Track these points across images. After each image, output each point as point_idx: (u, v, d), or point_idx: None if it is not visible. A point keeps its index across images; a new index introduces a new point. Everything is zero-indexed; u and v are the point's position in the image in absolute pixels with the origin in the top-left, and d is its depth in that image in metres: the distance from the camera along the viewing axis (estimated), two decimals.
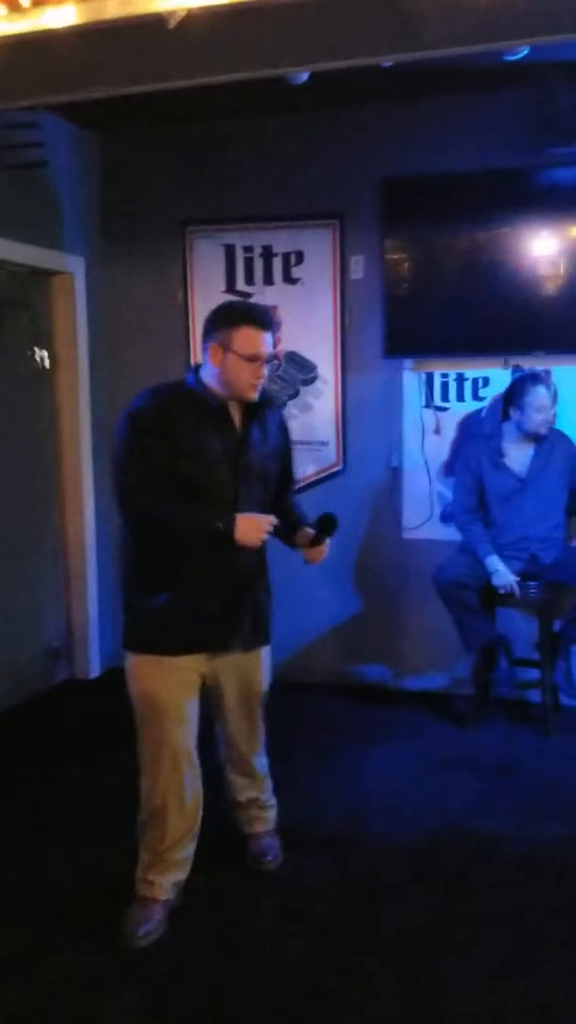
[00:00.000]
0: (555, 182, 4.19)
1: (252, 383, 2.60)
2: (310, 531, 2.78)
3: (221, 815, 2.99)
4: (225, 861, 3.00)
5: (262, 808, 3.04)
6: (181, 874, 2.74)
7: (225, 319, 2.60)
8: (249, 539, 2.54)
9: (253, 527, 2.55)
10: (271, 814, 3.07)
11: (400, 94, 4.25)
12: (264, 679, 2.90)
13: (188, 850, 2.74)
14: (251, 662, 2.82)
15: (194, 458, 2.54)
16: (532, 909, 2.78)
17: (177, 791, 2.66)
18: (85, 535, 4.86)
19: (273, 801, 3.07)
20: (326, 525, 2.75)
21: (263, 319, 2.61)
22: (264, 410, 2.72)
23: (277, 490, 2.82)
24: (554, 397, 4.23)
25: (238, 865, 3.00)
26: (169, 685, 2.64)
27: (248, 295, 4.67)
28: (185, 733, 2.67)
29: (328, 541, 2.77)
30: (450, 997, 2.39)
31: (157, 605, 2.61)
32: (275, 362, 4.59)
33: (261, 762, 3.01)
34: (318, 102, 4.32)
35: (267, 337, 2.59)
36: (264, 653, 2.88)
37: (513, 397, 4.10)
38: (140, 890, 2.72)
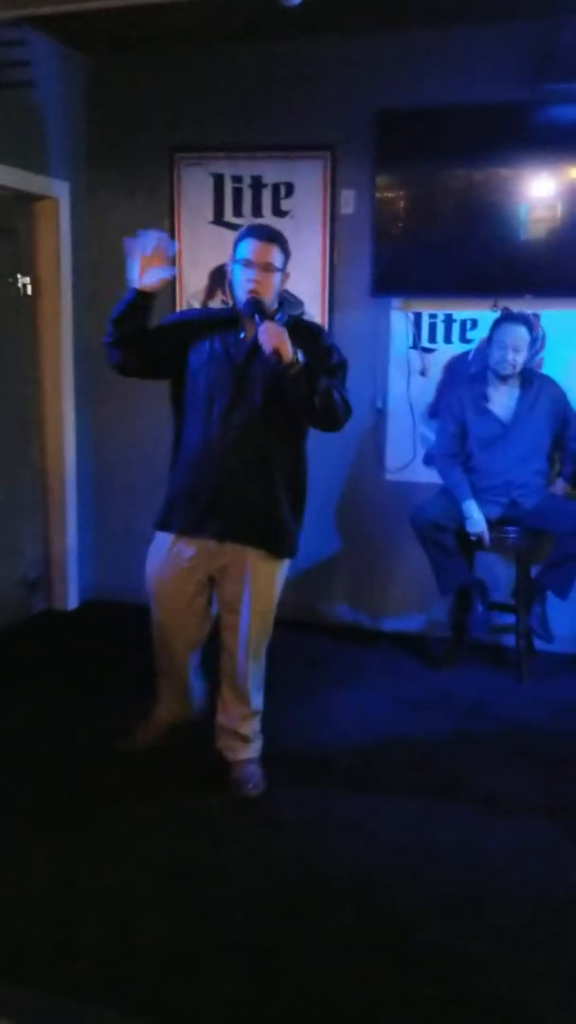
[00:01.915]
0: (553, 119, 4.09)
1: (246, 287, 2.83)
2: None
3: (206, 744, 3.05)
4: (197, 790, 3.06)
5: (245, 738, 3.11)
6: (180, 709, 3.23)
7: (237, 237, 2.92)
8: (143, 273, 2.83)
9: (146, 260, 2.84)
10: (254, 745, 3.14)
11: (399, 23, 4.12)
12: (254, 588, 2.96)
13: (190, 688, 3.20)
14: (245, 565, 2.94)
15: (198, 353, 2.92)
16: (493, 846, 2.83)
17: (163, 654, 3.14)
18: (65, 464, 4.82)
19: (258, 730, 3.16)
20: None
21: (261, 231, 2.88)
22: (292, 334, 2.78)
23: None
24: (539, 341, 4.19)
25: (211, 794, 3.05)
26: (163, 563, 2.99)
27: (236, 227, 4.56)
28: (175, 606, 3.01)
29: (259, 320, 2.77)
30: (411, 930, 2.45)
31: (169, 489, 3.02)
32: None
33: (252, 689, 3.10)
34: (313, 28, 4.19)
35: (263, 246, 2.82)
36: (260, 562, 2.94)
37: (489, 334, 4.07)
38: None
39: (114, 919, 2.46)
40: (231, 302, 2.97)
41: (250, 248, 2.82)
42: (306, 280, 4.54)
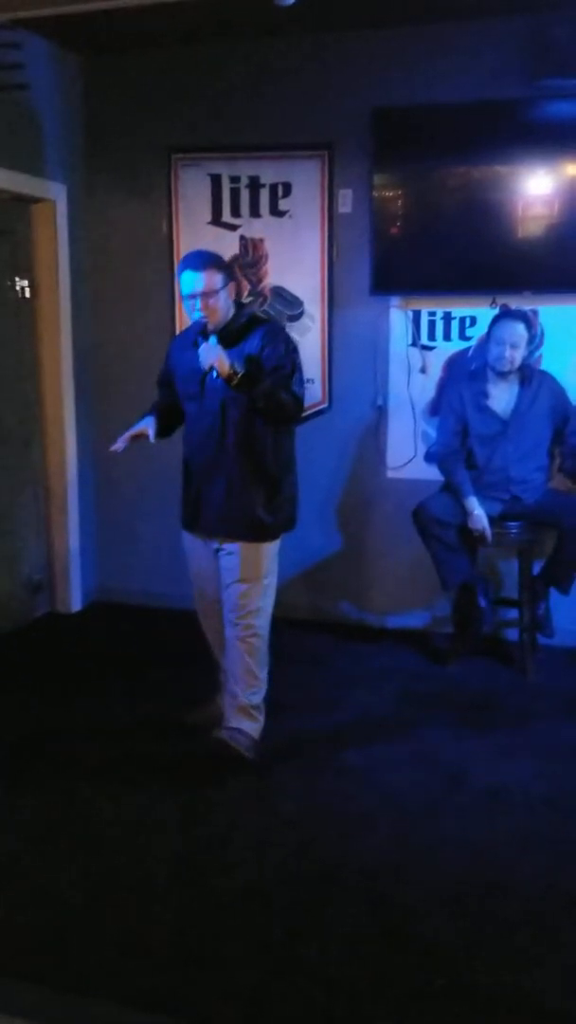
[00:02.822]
0: (548, 115, 4.09)
1: (195, 315, 3.11)
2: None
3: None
4: (204, 783, 3.06)
5: (243, 709, 3.26)
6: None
7: (177, 271, 3.17)
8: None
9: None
10: (253, 723, 3.28)
11: (394, 21, 4.13)
12: (239, 569, 3.20)
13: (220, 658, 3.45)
14: (232, 548, 3.22)
15: (174, 373, 3.32)
16: (498, 838, 2.84)
17: (202, 616, 3.49)
18: (67, 466, 4.83)
19: (254, 715, 3.29)
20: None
21: (190, 260, 3.10)
22: (239, 336, 3.11)
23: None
24: (538, 338, 4.19)
25: (218, 788, 3.06)
26: (188, 551, 3.42)
27: (235, 227, 4.59)
28: (201, 587, 3.41)
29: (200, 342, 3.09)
30: (418, 922, 2.45)
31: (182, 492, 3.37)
32: (260, 297, 4.56)
33: (241, 680, 3.25)
34: (309, 27, 4.20)
35: (194, 276, 3.05)
36: (243, 548, 3.20)
37: (487, 331, 4.08)
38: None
39: (120, 913, 2.47)
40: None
41: (189, 282, 3.07)
42: (305, 279, 4.56)
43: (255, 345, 3.09)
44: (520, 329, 3.96)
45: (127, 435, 3.24)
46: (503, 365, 3.98)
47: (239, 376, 2.98)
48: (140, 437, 3.24)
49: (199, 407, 3.19)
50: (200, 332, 3.17)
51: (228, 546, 3.23)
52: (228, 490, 3.18)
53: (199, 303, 3.07)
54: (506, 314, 4.07)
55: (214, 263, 3.12)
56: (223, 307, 3.11)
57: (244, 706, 3.26)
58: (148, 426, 3.26)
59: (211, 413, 3.16)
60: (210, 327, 3.10)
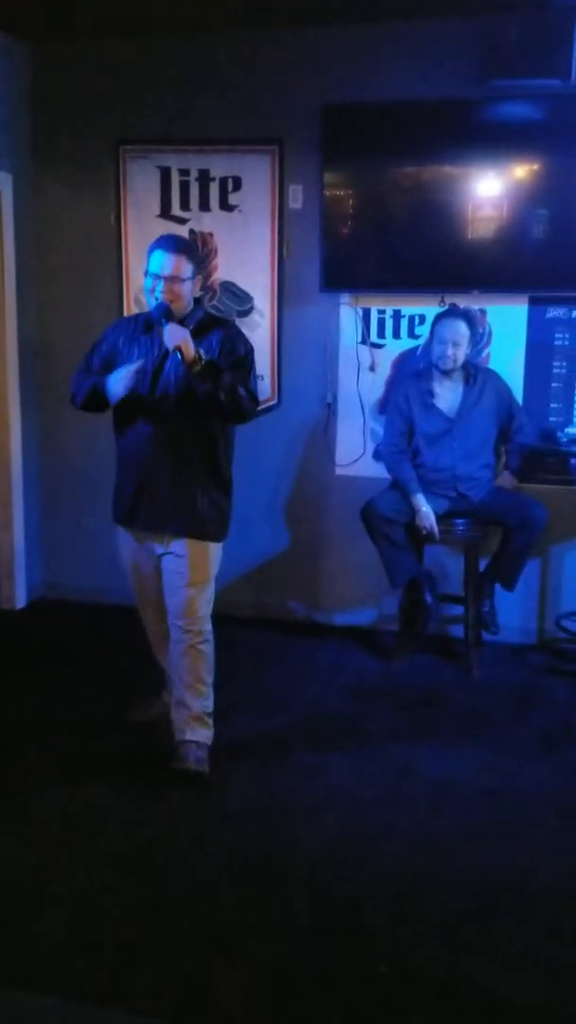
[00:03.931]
0: (499, 116, 4.14)
1: (155, 296, 3.01)
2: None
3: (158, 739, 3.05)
4: (153, 780, 3.04)
5: (195, 720, 3.15)
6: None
7: (148, 250, 3.07)
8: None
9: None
10: (203, 731, 3.17)
11: (346, 17, 4.14)
12: (188, 571, 3.11)
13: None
14: (177, 551, 3.13)
15: (115, 361, 3.12)
16: (442, 830, 2.86)
17: (142, 613, 3.38)
18: (12, 461, 4.74)
19: (210, 714, 3.19)
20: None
21: (166, 242, 3.06)
22: (196, 332, 3.00)
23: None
24: (485, 337, 4.24)
25: (165, 784, 3.04)
26: (123, 548, 3.28)
27: (183, 220, 4.56)
28: (141, 587, 3.29)
29: (165, 323, 2.97)
30: (365, 912, 2.46)
31: (116, 486, 3.24)
32: (209, 292, 4.53)
33: (191, 687, 3.15)
34: (261, 22, 4.20)
35: (168, 257, 2.99)
36: (193, 549, 3.10)
37: (430, 330, 4.12)
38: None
39: (71, 910, 2.44)
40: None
41: (159, 262, 3.00)
42: (255, 275, 4.55)
43: (212, 344, 3.04)
44: (462, 327, 4.00)
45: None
46: (446, 363, 4.01)
47: (203, 363, 2.90)
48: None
49: (148, 398, 3.06)
50: (146, 321, 3.12)
51: (175, 547, 3.11)
52: (181, 486, 3.08)
53: (163, 285, 2.99)
54: (448, 313, 4.11)
55: (188, 251, 3.08)
56: (187, 297, 3.05)
57: (198, 714, 3.16)
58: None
59: (163, 404, 3.05)
60: (176, 308, 3.01)
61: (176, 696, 3.20)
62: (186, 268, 3.02)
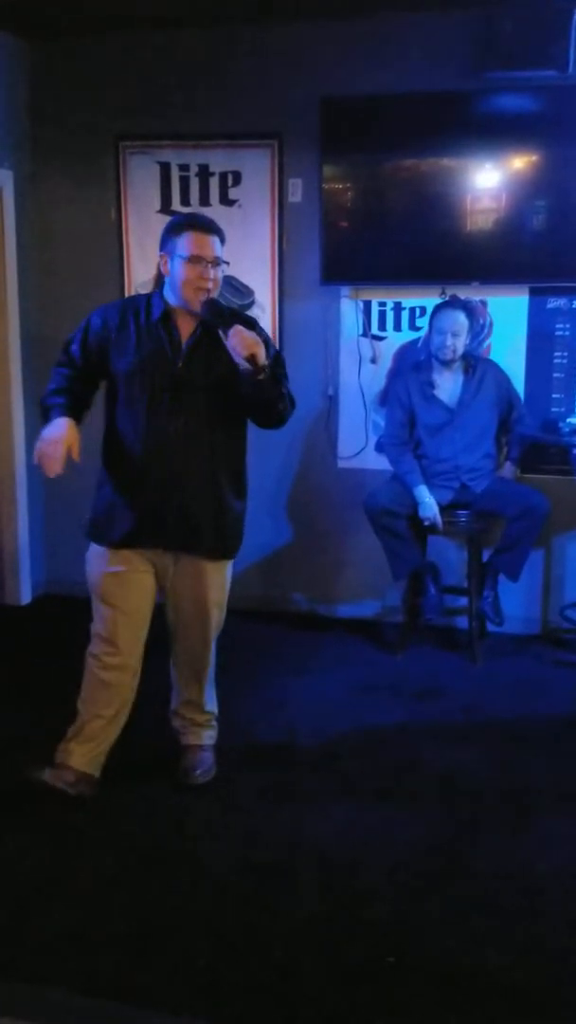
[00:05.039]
0: (496, 108, 4.14)
1: (198, 286, 2.66)
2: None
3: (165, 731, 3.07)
4: (158, 773, 3.08)
5: (199, 725, 3.10)
6: (96, 748, 2.91)
7: (171, 228, 2.74)
8: (45, 455, 2.62)
9: (49, 443, 2.63)
10: (208, 732, 3.13)
11: (344, 11, 4.13)
12: (210, 595, 2.90)
13: (107, 730, 2.92)
14: (196, 574, 2.86)
15: (123, 355, 2.72)
16: (447, 822, 2.88)
17: (96, 669, 2.92)
18: (15, 457, 4.76)
19: (214, 719, 3.14)
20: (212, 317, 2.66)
21: (205, 223, 2.73)
22: (221, 325, 2.65)
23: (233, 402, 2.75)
24: (486, 328, 4.24)
25: (170, 777, 3.06)
26: (105, 574, 2.86)
27: None
28: (113, 621, 2.87)
29: (225, 329, 2.62)
30: (371, 904, 2.47)
31: (101, 499, 2.89)
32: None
33: (205, 693, 3.07)
34: (259, 16, 4.19)
35: (211, 239, 2.68)
36: (211, 568, 2.88)
37: (429, 321, 4.13)
38: (56, 758, 2.90)
39: (78, 904, 2.46)
40: (174, 302, 2.75)
41: (197, 242, 2.65)
42: (256, 269, 4.55)
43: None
44: (460, 318, 4.01)
45: (61, 453, 2.62)
46: (445, 354, 4.02)
47: (268, 370, 2.58)
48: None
49: (167, 401, 2.68)
50: (146, 309, 2.75)
51: (191, 567, 2.84)
52: (209, 499, 2.78)
53: (208, 270, 2.64)
54: (447, 304, 4.11)
55: (222, 232, 2.74)
56: (220, 284, 2.73)
57: (209, 717, 3.11)
58: (72, 438, 2.66)
59: (191, 408, 2.71)
60: (197, 306, 2.67)
61: (182, 699, 3.10)
62: (222, 250, 2.71)
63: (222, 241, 2.73)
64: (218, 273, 2.70)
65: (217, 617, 2.99)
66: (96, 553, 2.91)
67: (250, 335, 2.58)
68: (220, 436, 2.79)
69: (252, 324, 2.81)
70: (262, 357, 2.56)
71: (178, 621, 2.97)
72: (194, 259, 2.64)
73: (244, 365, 2.56)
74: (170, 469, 2.75)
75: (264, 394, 2.66)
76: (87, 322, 2.83)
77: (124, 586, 2.86)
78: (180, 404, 2.71)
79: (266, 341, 2.75)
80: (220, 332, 2.62)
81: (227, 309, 2.77)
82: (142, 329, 2.74)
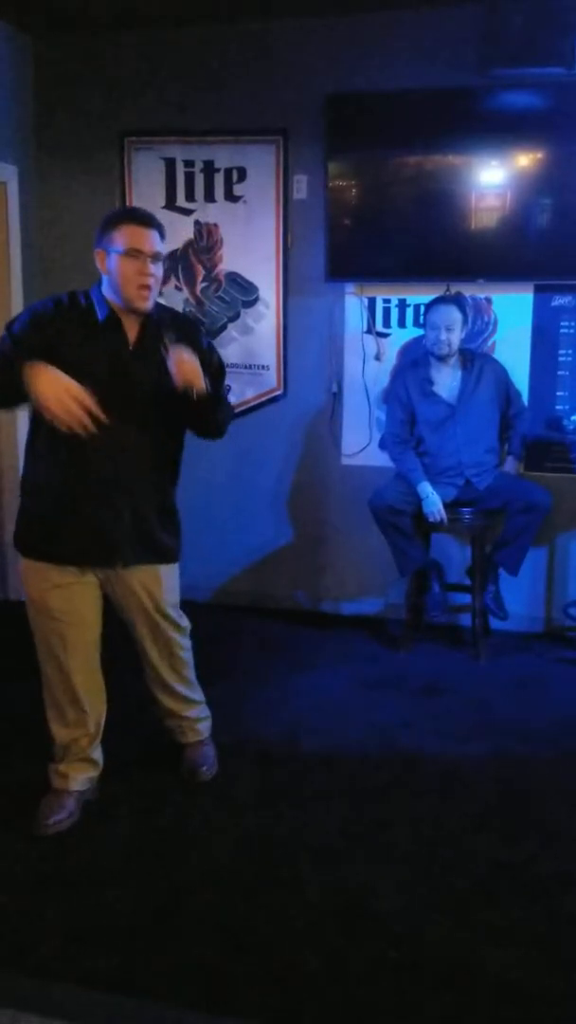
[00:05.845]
0: (502, 105, 4.12)
1: (139, 283, 2.53)
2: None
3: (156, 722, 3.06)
4: (158, 769, 3.07)
5: (192, 722, 3.08)
6: (92, 771, 2.87)
7: (107, 222, 2.60)
8: (48, 398, 2.32)
9: (57, 386, 2.34)
10: (202, 725, 3.12)
11: (350, 7, 4.13)
12: (166, 597, 2.81)
13: (94, 751, 2.86)
14: (148, 580, 2.75)
15: (70, 368, 2.41)
16: (449, 818, 2.88)
17: (64, 692, 2.81)
18: (16, 453, 4.75)
19: (205, 713, 3.12)
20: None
21: (143, 215, 2.61)
22: (169, 327, 2.60)
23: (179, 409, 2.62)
24: (491, 325, 4.24)
25: (171, 773, 3.06)
26: (46, 590, 2.68)
27: (189, 211, 4.56)
28: (66, 639, 2.73)
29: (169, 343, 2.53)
30: (373, 901, 2.47)
31: (34, 512, 2.68)
32: (215, 283, 4.52)
33: (185, 688, 3.02)
34: (264, 12, 4.18)
35: (150, 233, 2.55)
36: (163, 572, 2.79)
37: (424, 318, 4.14)
38: (52, 782, 2.84)
39: (81, 897, 2.46)
40: (116, 301, 2.60)
41: (135, 236, 2.52)
42: (260, 265, 4.55)
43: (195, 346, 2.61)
44: (454, 312, 4.00)
45: (86, 397, 2.38)
46: (441, 348, 4.02)
47: (208, 395, 2.52)
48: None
49: (110, 410, 2.43)
50: (88, 310, 2.59)
51: (140, 575, 2.73)
52: (156, 509, 2.71)
53: (147, 265, 2.52)
54: (439, 299, 4.11)
55: (161, 227, 2.62)
56: (160, 283, 2.61)
57: (198, 707, 3.08)
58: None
59: (132, 419, 2.57)
60: (144, 306, 2.56)
61: (165, 709, 3.04)
62: (162, 245, 2.57)
63: (162, 236, 2.60)
64: (159, 270, 2.58)
65: (174, 617, 2.88)
66: (29, 567, 2.71)
67: (189, 361, 2.47)
68: (166, 446, 2.73)
69: (195, 330, 2.78)
70: (201, 387, 2.48)
71: (136, 631, 2.87)
72: (132, 252, 2.51)
73: (183, 391, 2.49)
74: (106, 475, 2.60)
75: (201, 412, 2.61)
76: (25, 318, 2.60)
77: (72, 600, 2.70)
78: (124, 413, 2.54)
79: (211, 350, 2.74)
80: (160, 346, 2.53)
81: (167, 316, 2.70)
82: (82, 334, 2.57)
